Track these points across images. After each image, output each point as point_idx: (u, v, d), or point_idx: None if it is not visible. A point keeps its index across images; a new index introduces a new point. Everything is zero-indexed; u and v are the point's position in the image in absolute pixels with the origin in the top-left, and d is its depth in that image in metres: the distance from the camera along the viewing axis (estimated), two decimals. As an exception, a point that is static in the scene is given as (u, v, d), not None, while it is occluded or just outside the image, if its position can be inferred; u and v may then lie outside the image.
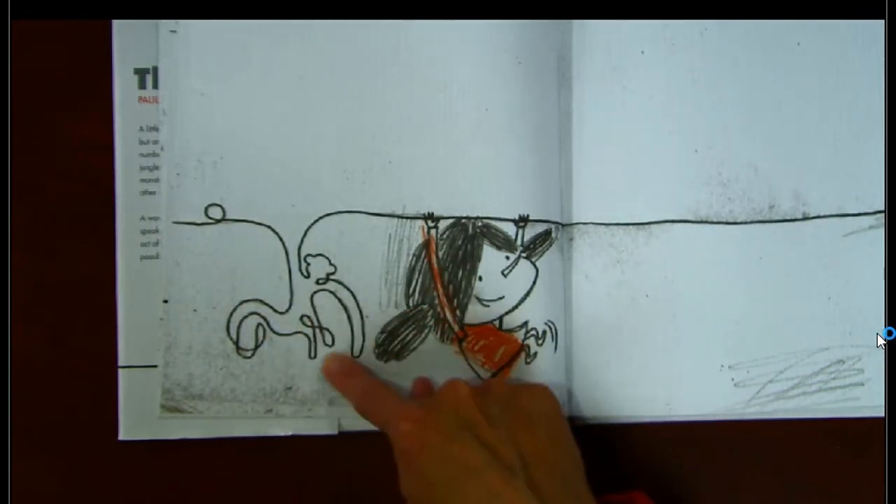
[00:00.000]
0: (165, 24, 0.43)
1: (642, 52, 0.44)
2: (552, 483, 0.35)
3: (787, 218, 0.44)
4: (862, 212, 0.44)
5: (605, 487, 0.38)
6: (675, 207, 0.44)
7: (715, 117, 0.44)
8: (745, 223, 0.44)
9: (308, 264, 0.43)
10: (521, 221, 0.43)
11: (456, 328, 0.43)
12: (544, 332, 0.43)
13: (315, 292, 0.43)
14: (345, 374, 0.42)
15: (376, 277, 0.43)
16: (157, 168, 0.43)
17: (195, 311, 0.42)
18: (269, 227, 0.43)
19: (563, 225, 0.44)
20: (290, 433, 0.43)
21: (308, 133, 0.43)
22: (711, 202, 0.44)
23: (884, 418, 0.40)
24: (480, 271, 0.43)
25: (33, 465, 0.43)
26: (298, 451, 0.43)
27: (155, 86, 0.43)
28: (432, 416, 0.37)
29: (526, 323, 0.43)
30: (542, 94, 0.44)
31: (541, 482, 0.35)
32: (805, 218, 0.44)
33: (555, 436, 0.38)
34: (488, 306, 0.43)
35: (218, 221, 0.43)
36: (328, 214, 0.43)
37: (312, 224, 0.43)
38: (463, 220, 0.43)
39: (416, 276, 0.43)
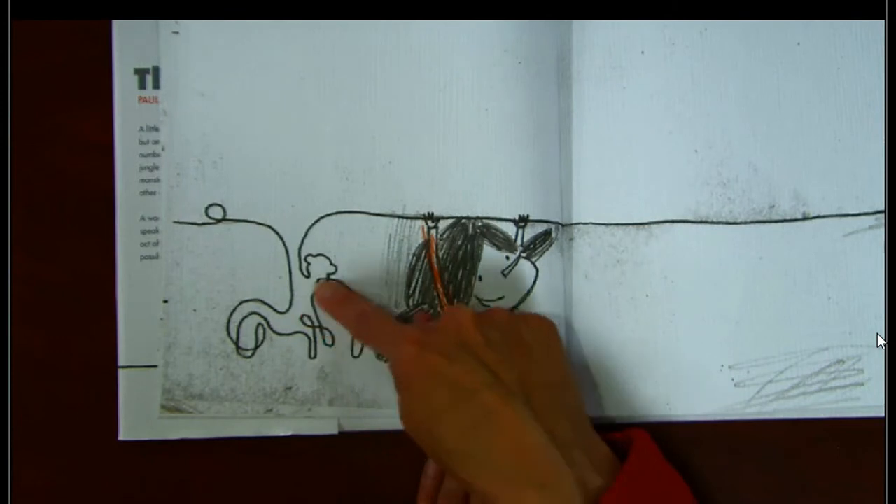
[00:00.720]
0: (167, 26, 0.43)
1: (642, 52, 0.44)
2: (550, 406, 0.36)
3: (787, 218, 0.44)
4: (862, 212, 0.44)
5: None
6: (675, 207, 0.44)
7: (715, 117, 0.44)
8: (745, 223, 0.44)
9: (308, 264, 0.43)
10: (521, 221, 0.43)
11: (456, 328, 0.43)
12: (544, 332, 0.43)
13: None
14: (339, 301, 0.42)
15: (377, 277, 0.43)
16: (157, 168, 0.43)
17: (195, 311, 0.42)
18: (269, 227, 0.43)
19: (563, 225, 0.44)
20: (290, 433, 0.43)
21: (308, 133, 0.43)
22: (711, 202, 0.44)
23: (884, 418, 0.40)
24: (480, 271, 0.43)
25: (33, 465, 0.43)
26: (298, 451, 0.43)
27: (155, 86, 0.43)
28: (433, 338, 0.37)
29: (526, 323, 0.43)
30: (542, 94, 0.44)
31: (539, 404, 0.35)
32: (805, 218, 0.44)
33: (553, 363, 0.38)
34: (488, 306, 0.43)
35: (218, 221, 0.43)
36: (329, 214, 0.43)
37: (313, 224, 0.43)
38: (463, 220, 0.43)
39: (416, 276, 0.43)
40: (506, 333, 0.38)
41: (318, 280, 0.43)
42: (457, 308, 0.38)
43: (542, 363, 0.37)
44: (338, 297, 0.42)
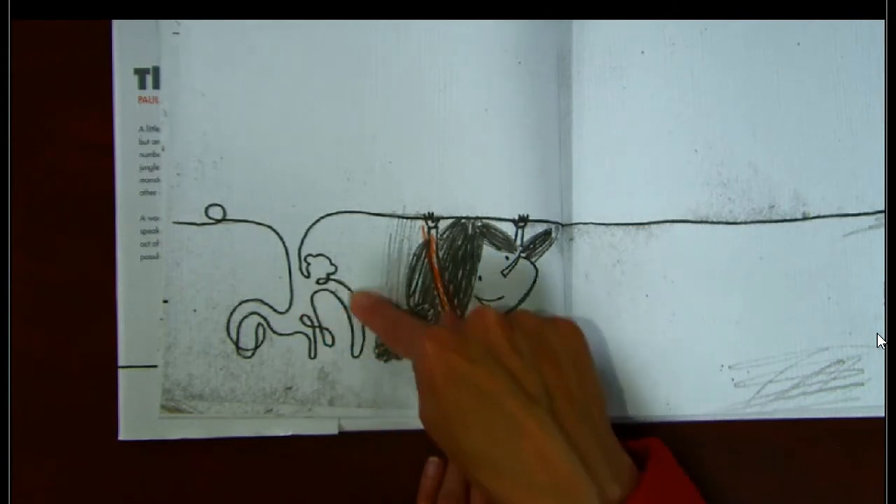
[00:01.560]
0: (167, 26, 0.43)
1: (642, 52, 0.44)
2: (574, 415, 0.35)
3: (787, 218, 0.44)
4: (862, 212, 0.44)
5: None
6: (675, 207, 0.44)
7: (715, 117, 0.44)
8: (745, 223, 0.44)
9: (308, 264, 0.43)
10: (521, 221, 0.43)
11: (456, 328, 0.43)
12: (544, 332, 0.43)
13: (315, 292, 0.43)
14: (371, 308, 0.42)
15: (377, 277, 0.43)
16: (157, 168, 0.43)
17: (195, 311, 0.42)
18: (269, 227, 0.43)
19: (562, 225, 0.44)
20: (290, 433, 0.43)
21: (308, 133, 0.43)
22: (711, 202, 0.44)
23: (884, 418, 0.40)
24: (480, 271, 0.43)
25: (33, 465, 0.43)
26: (298, 451, 0.43)
27: (155, 86, 0.43)
28: (458, 339, 0.36)
29: (526, 323, 0.43)
30: (542, 94, 0.44)
31: (562, 413, 0.35)
32: (805, 218, 0.44)
33: (580, 371, 0.37)
34: (488, 307, 0.43)
35: (218, 221, 0.43)
36: (329, 214, 0.43)
37: (313, 224, 0.43)
38: (463, 220, 0.43)
39: (416, 275, 0.43)
40: (533, 339, 0.37)
41: (318, 280, 0.43)
42: (483, 310, 0.38)
43: (568, 371, 0.37)
44: (374, 304, 0.42)
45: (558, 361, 0.37)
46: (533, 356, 0.36)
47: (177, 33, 0.43)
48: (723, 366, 0.44)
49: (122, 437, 0.43)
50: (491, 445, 0.34)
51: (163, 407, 0.42)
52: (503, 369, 0.35)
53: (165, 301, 0.42)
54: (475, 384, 0.35)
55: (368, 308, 0.42)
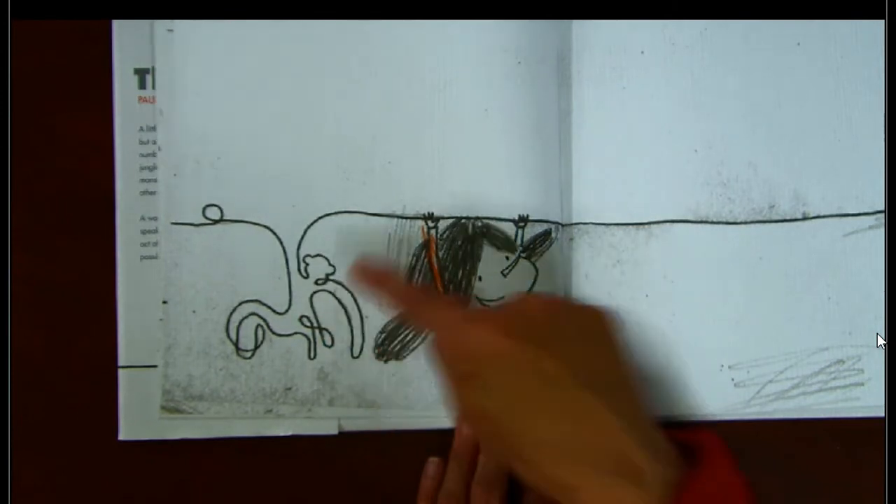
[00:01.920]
0: (162, 24, 0.43)
1: (642, 52, 0.44)
2: (631, 399, 0.35)
3: (787, 218, 0.44)
4: (862, 212, 0.44)
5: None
6: (675, 207, 0.44)
7: (715, 117, 0.44)
8: (745, 223, 0.44)
9: (307, 265, 0.43)
10: (521, 221, 0.43)
11: (456, 328, 0.43)
12: (544, 332, 0.43)
13: (314, 293, 0.43)
14: (384, 276, 0.39)
15: (376, 278, 0.43)
16: (156, 168, 0.43)
17: (194, 312, 0.42)
18: (267, 227, 0.43)
19: (562, 225, 0.44)
20: (289, 433, 0.43)
21: (307, 133, 0.43)
22: (711, 202, 0.44)
23: (884, 418, 0.40)
24: (480, 271, 0.43)
25: (33, 465, 0.43)
26: (298, 451, 0.43)
27: (155, 86, 0.43)
28: (502, 323, 0.35)
29: (526, 323, 0.43)
30: (542, 94, 0.44)
31: (607, 395, 0.34)
32: (805, 218, 0.44)
33: (620, 356, 0.36)
34: (488, 306, 0.43)
35: (216, 222, 0.43)
36: (327, 214, 0.43)
37: (311, 224, 0.43)
38: (463, 220, 0.43)
39: (416, 275, 0.43)
40: (575, 322, 0.36)
41: (317, 281, 0.43)
42: (525, 296, 0.37)
43: (607, 352, 0.36)
44: (384, 271, 0.39)
45: (599, 343, 0.36)
46: (576, 339, 0.35)
47: (171, 30, 0.43)
48: (723, 366, 0.44)
49: (122, 437, 0.43)
50: (551, 428, 0.33)
51: (163, 408, 0.42)
52: (549, 354, 0.34)
53: (165, 302, 0.42)
54: (527, 370, 0.33)
55: (376, 275, 0.39)
